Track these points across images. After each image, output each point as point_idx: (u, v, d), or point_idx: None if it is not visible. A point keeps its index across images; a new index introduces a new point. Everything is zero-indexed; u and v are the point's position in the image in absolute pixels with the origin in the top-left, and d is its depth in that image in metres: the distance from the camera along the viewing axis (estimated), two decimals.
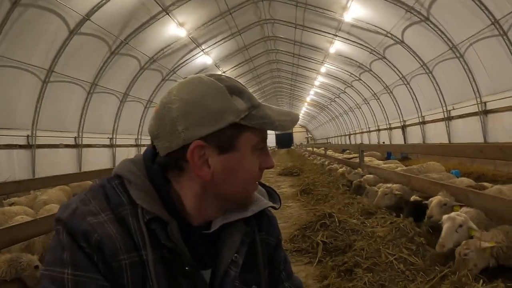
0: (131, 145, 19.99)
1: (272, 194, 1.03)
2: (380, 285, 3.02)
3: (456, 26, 12.80)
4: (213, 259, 0.89)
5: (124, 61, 16.51)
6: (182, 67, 21.11)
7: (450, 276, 2.99)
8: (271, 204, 0.98)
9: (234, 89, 0.85)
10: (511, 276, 2.59)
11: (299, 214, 6.34)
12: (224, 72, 25.36)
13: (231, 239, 0.91)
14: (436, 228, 4.03)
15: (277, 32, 24.46)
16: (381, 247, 3.82)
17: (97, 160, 16.28)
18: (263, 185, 1.04)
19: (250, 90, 0.95)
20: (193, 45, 20.15)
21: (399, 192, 6.24)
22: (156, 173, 0.86)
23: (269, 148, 0.95)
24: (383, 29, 16.73)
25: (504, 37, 10.82)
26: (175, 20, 16.53)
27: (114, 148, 18.19)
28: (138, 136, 20.71)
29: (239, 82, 0.89)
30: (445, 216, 3.56)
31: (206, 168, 0.83)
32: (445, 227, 3.45)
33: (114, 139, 18.25)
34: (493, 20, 10.87)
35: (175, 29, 17.08)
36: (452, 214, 3.56)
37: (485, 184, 5.46)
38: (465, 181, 5.98)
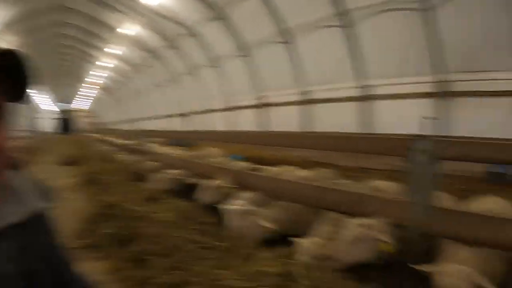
0: None
1: (44, 190, 0.91)
2: (175, 267, 3.13)
3: (249, 29, 14.57)
4: None
5: None
6: None
7: (234, 248, 3.44)
8: (42, 205, 0.87)
9: None
10: (290, 243, 3.31)
11: (83, 207, 5.88)
12: (3, 41, 20.47)
13: (1, 248, 0.78)
14: (217, 209, 4.49)
15: (70, 3, 21.37)
16: (169, 231, 3.96)
17: None
18: (33, 179, 0.91)
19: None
20: None
21: (181, 177, 6.61)
22: None
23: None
24: (180, 19, 17.11)
25: (288, 44, 13.06)
26: None
27: None
28: None
29: None
30: (231, 211, 4.05)
31: None
32: (233, 219, 3.94)
33: None
34: (280, 29, 12.95)
35: None
36: (236, 206, 4.07)
37: (263, 167, 6.34)
38: (245, 165, 6.80)
